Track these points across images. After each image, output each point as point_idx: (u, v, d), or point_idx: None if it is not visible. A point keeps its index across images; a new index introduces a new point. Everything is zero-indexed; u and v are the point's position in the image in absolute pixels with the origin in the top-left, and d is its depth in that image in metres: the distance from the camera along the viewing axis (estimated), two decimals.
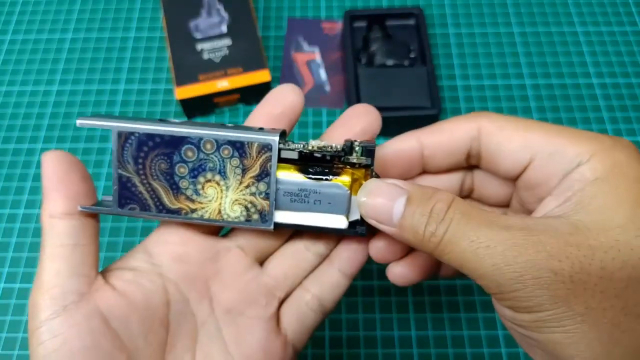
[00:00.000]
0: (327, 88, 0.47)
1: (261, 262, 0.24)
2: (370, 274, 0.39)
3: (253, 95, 0.45)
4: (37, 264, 0.40)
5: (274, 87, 0.24)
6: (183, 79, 0.44)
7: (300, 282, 0.24)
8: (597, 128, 0.45)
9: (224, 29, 0.47)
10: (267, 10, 0.52)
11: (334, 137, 0.24)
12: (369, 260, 0.39)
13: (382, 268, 0.39)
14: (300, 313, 0.24)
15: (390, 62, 0.45)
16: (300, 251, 0.24)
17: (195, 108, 0.45)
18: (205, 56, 0.45)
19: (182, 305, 0.23)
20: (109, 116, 0.22)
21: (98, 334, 0.20)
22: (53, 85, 0.48)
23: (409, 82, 0.44)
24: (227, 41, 0.46)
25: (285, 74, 0.48)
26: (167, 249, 0.23)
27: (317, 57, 0.49)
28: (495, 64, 0.48)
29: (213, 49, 0.46)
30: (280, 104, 0.23)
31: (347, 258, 0.24)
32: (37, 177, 0.43)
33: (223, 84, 0.44)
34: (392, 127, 0.44)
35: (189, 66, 0.45)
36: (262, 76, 0.44)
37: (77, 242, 0.21)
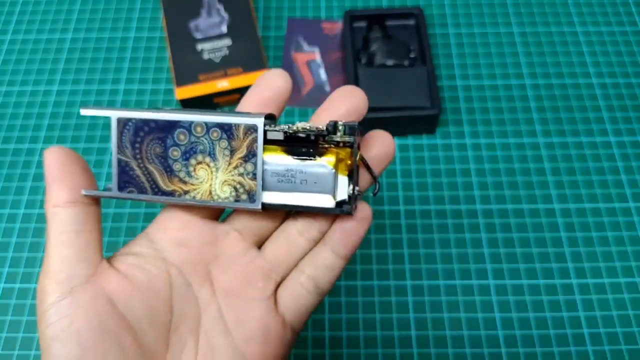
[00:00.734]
0: (327, 88, 0.47)
1: (259, 245, 0.25)
2: (370, 274, 0.39)
3: None
4: (37, 264, 0.40)
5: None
6: (183, 79, 0.44)
7: (295, 265, 0.24)
8: (597, 128, 0.45)
9: (224, 29, 0.47)
10: (267, 10, 0.52)
11: (320, 119, 0.24)
12: (370, 261, 0.39)
13: (381, 268, 0.39)
14: (296, 295, 0.24)
15: (390, 62, 0.45)
16: (294, 236, 0.24)
17: (195, 108, 0.45)
18: (206, 56, 0.45)
19: (185, 288, 0.23)
20: (109, 107, 0.23)
21: (105, 314, 0.21)
22: (53, 85, 0.48)
23: (409, 82, 0.44)
24: (227, 41, 0.46)
25: None
26: (168, 235, 0.24)
27: (317, 57, 0.49)
28: (495, 64, 0.48)
29: (213, 49, 0.46)
30: (269, 89, 0.24)
31: (339, 239, 0.24)
32: (37, 177, 0.43)
33: (223, 84, 0.44)
34: (392, 127, 0.44)
35: (189, 66, 0.45)
36: None
37: (80, 228, 0.22)
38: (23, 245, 0.40)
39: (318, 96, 0.47)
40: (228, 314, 0.24)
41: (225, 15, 0.47)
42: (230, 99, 0.45)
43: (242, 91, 0.45)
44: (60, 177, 0.22)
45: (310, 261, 0.24)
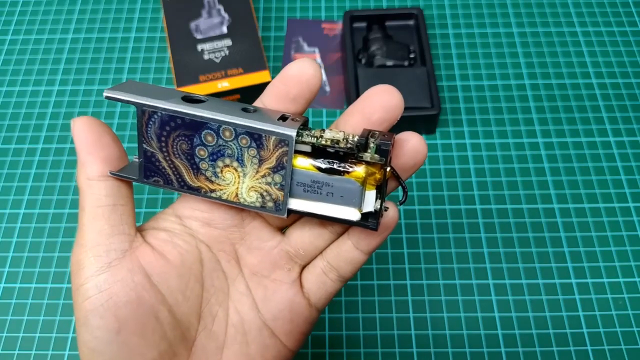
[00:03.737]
0: (327, 88, 0.48)
1: (283, 228, 0.25)
2: (370, 274, 0.39)
3: (253, 95, 0.45)
4: (38, 264, 0.40)
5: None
6: (184, 79, 0.44)
7: (319, 252, 0.25)
8: (596, 128, 0.45)
9: (225, 29, 0.47)
10: (267, 10, 0.52)
11: (351, 123, 0.23)
12: (370, 261, 0.39)
13: (380, 267, 0.39)
14: (320, 281, 0.25)
15: (390, 63, 0.46)
16: (318, 227, 0.24)
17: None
18: (206, 57, 0.45)
19: (214, 264, 0.24)
20: (137, 85, 0.22)
21: (141, 288, 0.21)
22: (54, 85, 0.48)
23: (408, 83, 0.44)
24: (228, 42, 0.46)
25: None
26: (195, 214, 0.24)
27: (317, 57, 0.49)
28: (494, 64, 0.48)
29: (213, 49, 0.46)
30: (297, 83, 0.22)
31: (361, 239, 0.24)
32: (38, 177, 0.43)
33: (223, 84, 0.44)
34: (391, 127, 0.44)
35: (189, 67, 0.45)
36: (262, 77, 0.44)
37: (115, 202, 0.22)
38: (24, 245, 0.40)
39: (318, 97, 0.47)
40: (256, 291, 0.24)
41: (225, 15, 0.47)
42: (230, 100, 0.45)
43: (242, 92, 0.45)
44: (92, 149, 0.22)
45: (333, 252, 0.24)
